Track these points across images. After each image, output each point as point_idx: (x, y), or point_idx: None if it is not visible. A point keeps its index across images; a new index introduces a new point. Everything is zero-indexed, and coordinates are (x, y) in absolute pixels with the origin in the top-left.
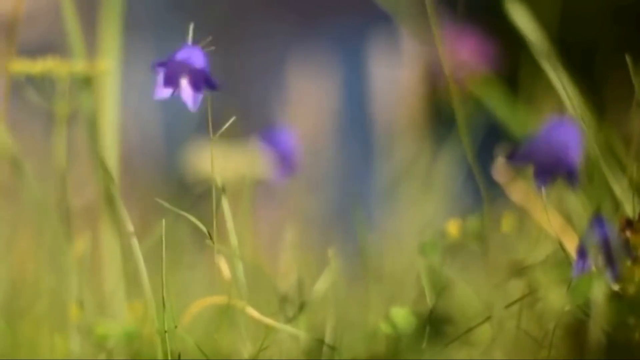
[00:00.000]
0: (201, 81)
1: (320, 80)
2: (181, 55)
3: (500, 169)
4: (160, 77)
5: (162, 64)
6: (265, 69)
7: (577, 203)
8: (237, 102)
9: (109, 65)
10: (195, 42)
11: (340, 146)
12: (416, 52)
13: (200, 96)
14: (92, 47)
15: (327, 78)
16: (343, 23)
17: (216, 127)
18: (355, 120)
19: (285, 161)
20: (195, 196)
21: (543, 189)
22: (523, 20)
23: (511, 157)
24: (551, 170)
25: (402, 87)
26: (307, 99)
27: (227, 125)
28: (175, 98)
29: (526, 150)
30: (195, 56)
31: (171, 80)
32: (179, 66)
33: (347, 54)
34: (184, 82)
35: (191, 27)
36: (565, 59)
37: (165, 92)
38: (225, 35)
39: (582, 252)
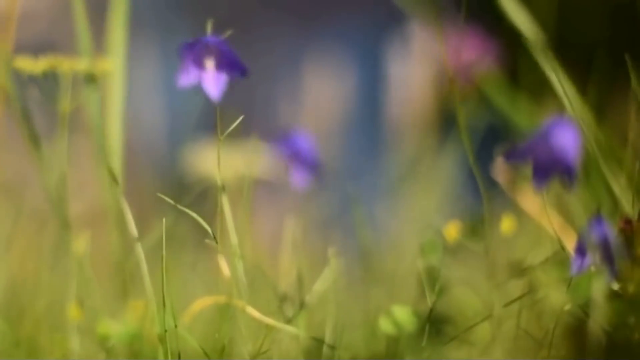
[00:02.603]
0: (228, 65)
1: (327, 81)
2: (207, 39)
3: (500, 169)
4: (185, 60)
5: (188, 46)
6: (271, 70)
7: (577, 202)
8: (241, 102)
9: (112, 63)
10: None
11: (341, 146)
12: (426, 51)
13: (224, 84)
14: (96, 45)
15: (335, 78)
16: (352, 23)
17: (220, 128)
18: (360, 120)
19: (306, 165)
20: (195, 195)
21: (542, 189)
22: (521, 20)
23: (508, 155)
24: (548, 170)
25: (411, 87)
26: (312, 99)
27: (234, 125)
28: (179, 97)
29: (523, 149)
30: (221, 41)
31: (197, 63)
32: (205, 49)
33: (356, 54)
34: (210, 67)
35: (210, 23)
36: (564, 58)
37: (189, 80)
38: (230, 35)
39: (580, 250)
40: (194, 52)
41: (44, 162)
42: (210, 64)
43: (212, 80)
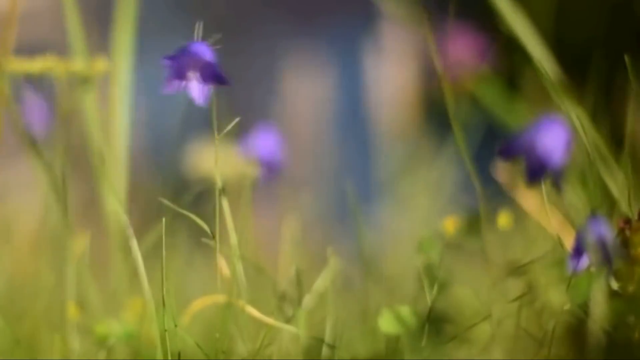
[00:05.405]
0: (210, 75)
1: (318, 80)
2: (191, 49)
3: (500, 166)
4: (169, 71)
5: (171, 58)
6: (263, 69)
7: (576, 201)
8: (235, 102)
9: (107, 64)
10: (201, 40)
11: (338, 145)
12: (413, 50)
13: (208, 91)
14: (94, 45)
15: (325, 77)
16: (340, 22)
17: (216, 128)
18: (354, 119)
19: (269, 163)
20: (194, 195)
21: (534, 186)
22: (515, 21)
23: (501, 152)
24: (539, 168)
25: (400, 86)
26: (306, 99)
27: (231, 125)
28: (178, 97)
29: (514, 147)
30: (204, 51)
31: (180, 74)
32: (188, 60)
33: (344, 53)
34: (193, 76)
35: (199, 26)
36: (562, 57)
37: (173, 87)
38: (224, 36)
39: (577, 250)
40: (177, 63)
41: (43, 163)
42: (193, 75)
43: (196, 90)
